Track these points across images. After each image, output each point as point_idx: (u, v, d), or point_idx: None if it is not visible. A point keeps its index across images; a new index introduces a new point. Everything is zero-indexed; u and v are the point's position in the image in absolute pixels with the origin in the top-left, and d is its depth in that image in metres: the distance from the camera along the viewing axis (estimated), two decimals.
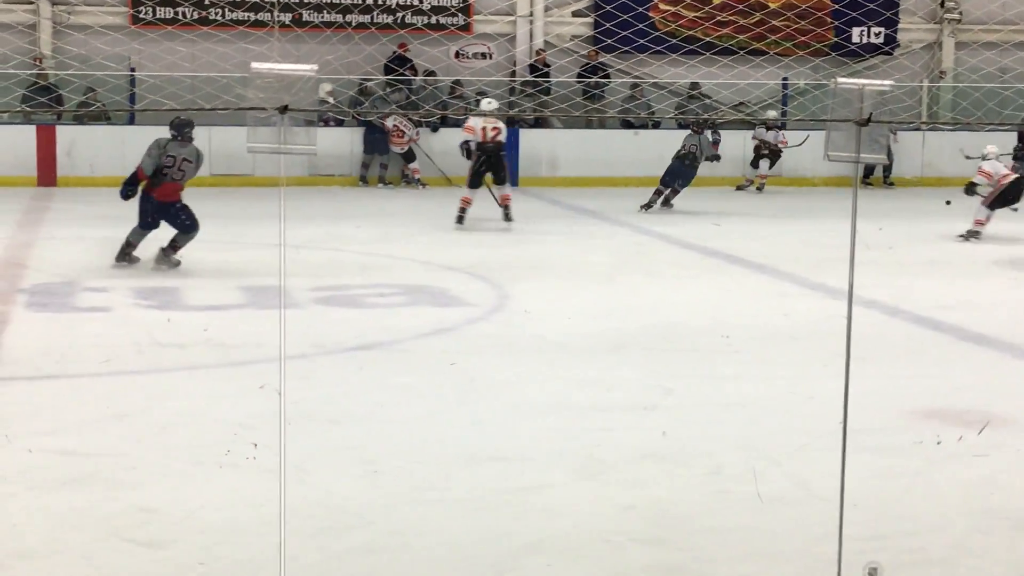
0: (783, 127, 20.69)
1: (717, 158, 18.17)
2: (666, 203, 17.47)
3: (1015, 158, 17.87)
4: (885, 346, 8.82)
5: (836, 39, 22.16)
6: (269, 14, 20.67)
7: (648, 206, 17.17)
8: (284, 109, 3.08)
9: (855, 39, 22.12)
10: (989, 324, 9.55)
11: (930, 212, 17.11)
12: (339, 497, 5.52)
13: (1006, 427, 6.81)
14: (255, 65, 3.09)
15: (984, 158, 15.00)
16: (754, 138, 20.70)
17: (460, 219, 15.03)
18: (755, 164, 20.62)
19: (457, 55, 21.91)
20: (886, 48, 22.38)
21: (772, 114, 20.79)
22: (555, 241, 14.41)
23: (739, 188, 20.52)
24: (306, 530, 5.03)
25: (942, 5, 22.58)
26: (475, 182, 15.15)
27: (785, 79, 21.79)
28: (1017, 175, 15.05)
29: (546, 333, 9.16)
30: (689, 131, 17.75)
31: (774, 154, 20.45)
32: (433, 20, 21.53)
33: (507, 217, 15.19)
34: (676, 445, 6.39)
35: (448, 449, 6.28)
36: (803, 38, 21.83)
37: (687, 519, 5.35)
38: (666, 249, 13.89)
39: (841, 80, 2.79)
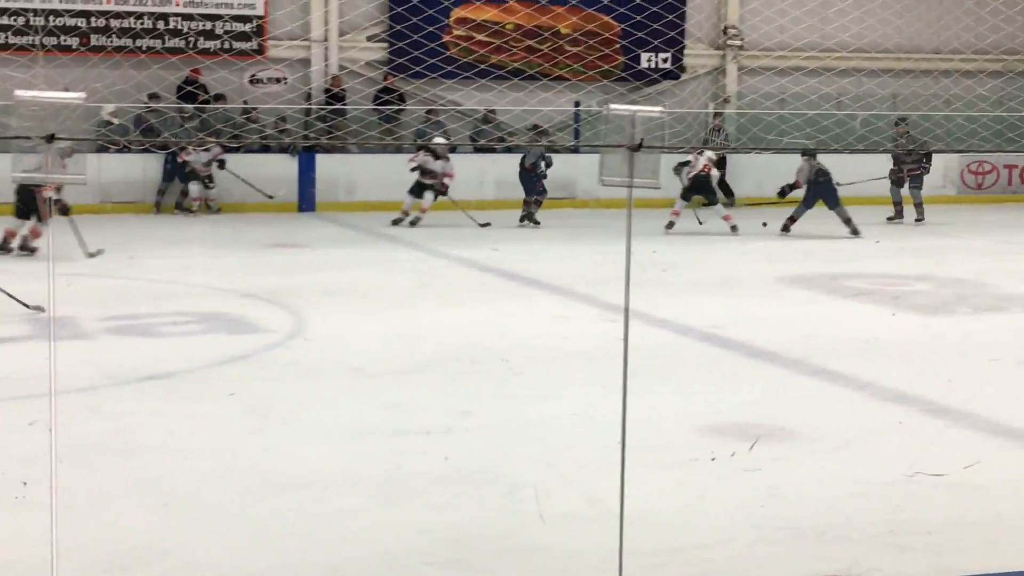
0: (444, 157, 18.38)
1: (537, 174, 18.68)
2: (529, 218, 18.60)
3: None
4: (676, 363, 9.05)
5: (625, 64, 22.66)
6: (55, 39, 20.15)
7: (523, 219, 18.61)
8: (51, 138, 3.01)
9: (643, 64, 22.67)
10: (775, 340, 9.87)
11: (721, 231, 17.60)
12: (132, 531, 5.41)
13: (791, 440, 7.06)
14: (19, 92, 3.02)
15: (701, 153, 17.76)
16: (413, 161, 18.49)
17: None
18: (416, 192, 18.48)
19: (251, 80, 21.69)
20: (674, 73, 22.96)
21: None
22: (353, 265, 14.37)
23: (394, 222, 18.48)
24: (97, 566, 4.91)
25: (725, 31, 23.29)
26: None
27: (577, 104, 22.19)
28: (700, 172, 17.61)
29: (344, 358, 9.13)
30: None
31: (437, 187, 18.41)
32: (226, 44, 21.27)
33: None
34: (473, 466, 6.45)
35: (245, 477, 6.21)
36: (593, 63, 22.25)
37: (484, 540, 5.39)
38: (464, 272, 13.98)
39: (613, 106, 2.87)
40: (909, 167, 18.88)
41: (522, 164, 18.78)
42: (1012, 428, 7.30)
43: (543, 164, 18.53)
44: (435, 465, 6.45)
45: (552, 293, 12.36)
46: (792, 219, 17.59)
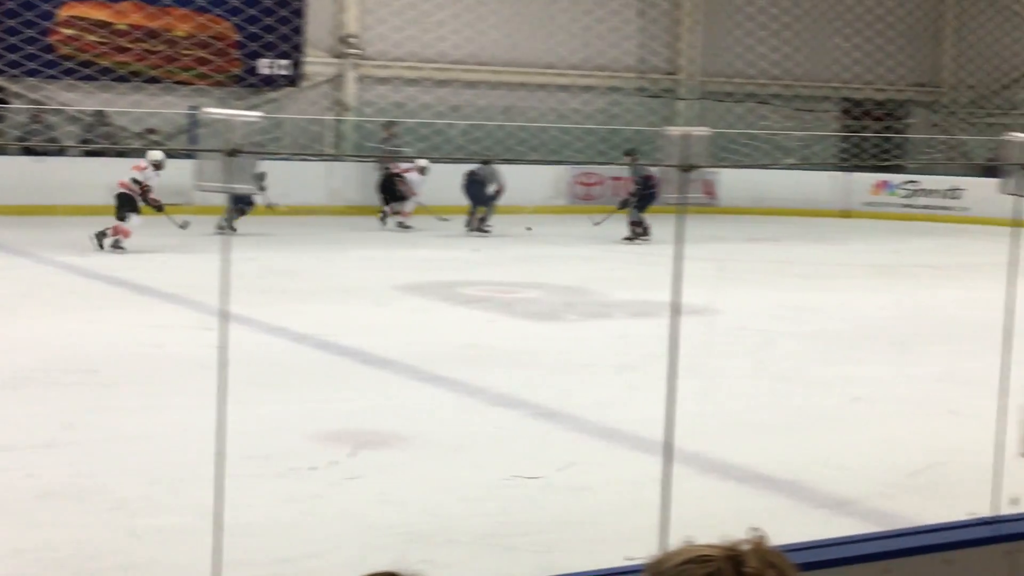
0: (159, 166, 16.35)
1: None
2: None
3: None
4: (291, 371, 8.99)
5: (245, 70, 22.34)
6: None
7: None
8: None
9: (262, 70, 22.42)
10: (390, 347, 9.94)
11: (337, 240, 17.66)
12: None
13: (403, 446, 7.13)
14: None
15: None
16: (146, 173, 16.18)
17: None
18: (121, 217, 15.85)
19: None
20: (292, 80, 22.82)
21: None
22: None
23: (100, 241, 15.68)
24: None
25: (344, 40, 23.34)
26: None
27: (192, 108, 21.70)
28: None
29: None
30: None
31: (155, 204, 16.19)
32: None
33: None
34: (77, 481, 6.19)
35: None
36: (212, 67, 21.84)
37: (88, 559, 5.19)
38: (72, 280, 13.41)
39: (208, 110, 2.82)
40: (640, 191, 19.31)
41: None
42: (613, 430, 7.62)
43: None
44: (30, 482, 6.14)
45: (165, 301, 12.02)
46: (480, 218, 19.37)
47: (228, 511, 5.49)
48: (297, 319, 10.95)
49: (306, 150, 22.27)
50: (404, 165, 20.05)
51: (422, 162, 20.06)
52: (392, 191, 20.14)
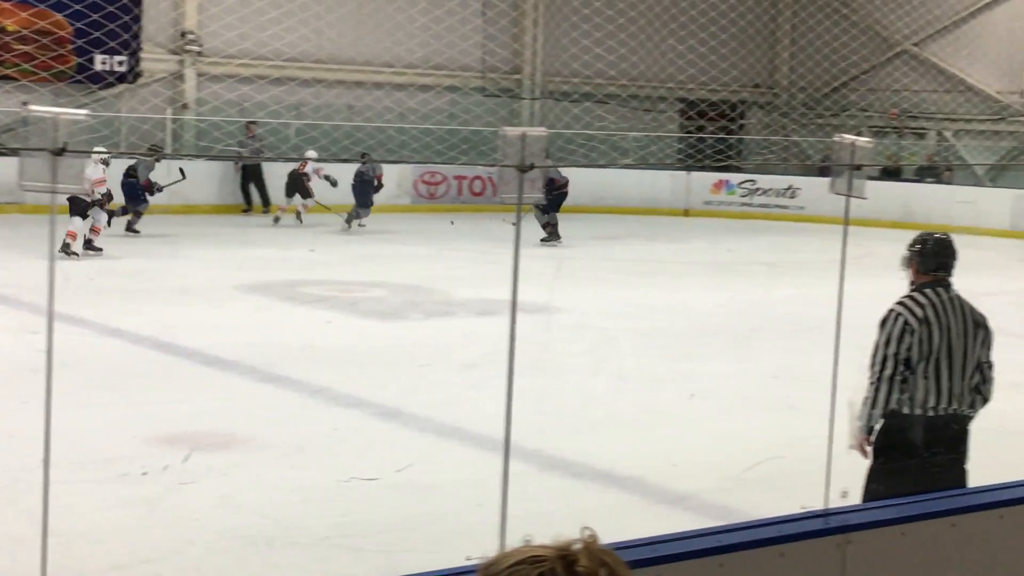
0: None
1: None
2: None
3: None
4: (129, 373, 8.81)
5: (80, 66, 21.75)
6: None
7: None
8: None
9: (98, 66, 21.88)
10: (232, 348, 9.81)
11: (176, 240, 17.36)
12: None
13: (245, 448, 7.03)
14: None
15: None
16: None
17: None
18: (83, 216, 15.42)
19: None
20: (127, 77, 22.32)
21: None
22: None
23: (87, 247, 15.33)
24: None
25: (183, 36, 22.92)
26: None
27: (25, 103, 21.08)
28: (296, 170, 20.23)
29: None
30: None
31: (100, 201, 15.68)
32: None
33: None
34: None
35: None
36: (44, 63, 21.21)
37: None
38: None
39: (34, 108, 2.74)
40: (546, 195, 19.14)
41: (133, 175, 17.69)
42: (455, 428, 7.63)
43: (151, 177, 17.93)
44: None
45: None
46: (353, 216, 19.73)
47: (61, 518, 5.38)
48: (134, 320, 10.73)
49: (137, 149, 21.78)
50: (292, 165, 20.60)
51: (312, 153, 20.73)
52: (302, 189, 20.29)
